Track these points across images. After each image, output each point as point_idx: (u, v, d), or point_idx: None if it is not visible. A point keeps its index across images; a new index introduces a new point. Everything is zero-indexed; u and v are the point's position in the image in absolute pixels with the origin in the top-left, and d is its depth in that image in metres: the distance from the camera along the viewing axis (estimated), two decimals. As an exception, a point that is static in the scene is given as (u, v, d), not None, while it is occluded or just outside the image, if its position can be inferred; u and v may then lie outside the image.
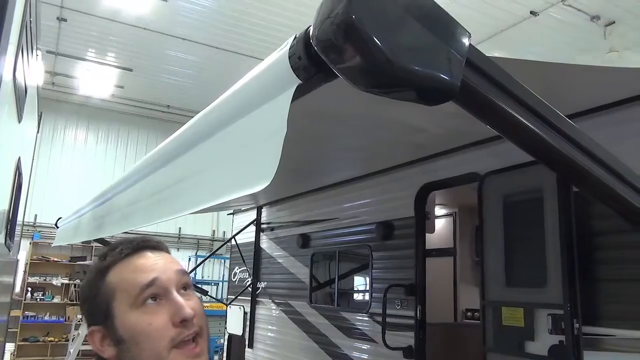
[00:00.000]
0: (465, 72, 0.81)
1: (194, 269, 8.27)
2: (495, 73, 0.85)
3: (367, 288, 4.75)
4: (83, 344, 10.24)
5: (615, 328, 2.65)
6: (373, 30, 0.74)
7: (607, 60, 8.61)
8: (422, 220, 4.24)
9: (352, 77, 0.80)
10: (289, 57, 0.89)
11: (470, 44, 0.83)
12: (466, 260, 6.28)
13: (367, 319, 4.62)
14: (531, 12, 8.14)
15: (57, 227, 5.80)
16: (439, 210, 6.11)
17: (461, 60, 0.81)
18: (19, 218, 5.23)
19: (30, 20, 2.99)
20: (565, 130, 0.90)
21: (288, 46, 0.91)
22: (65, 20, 9.31)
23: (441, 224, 6.32)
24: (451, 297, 6.23)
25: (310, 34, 0.84)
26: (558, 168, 1.00)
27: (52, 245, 5.49)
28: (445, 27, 0.81)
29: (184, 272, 1.09)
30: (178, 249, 14.36)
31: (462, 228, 6.34)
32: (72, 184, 12.45)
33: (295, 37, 0.90)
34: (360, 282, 5.18)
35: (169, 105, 13.16)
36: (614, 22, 8.23)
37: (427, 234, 4.35)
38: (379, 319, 4.29)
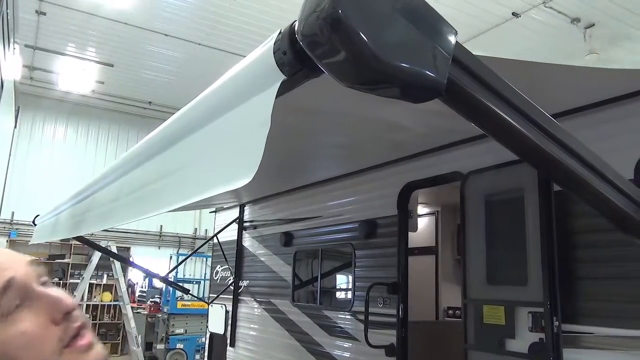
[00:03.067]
0: (451, 70, 0.81)
1: (176, 267, 8.19)
2: (482, 71, 0.85)
3: (350, 286, 4.75)
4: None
5: (595, 326, 2.69)
6: (359, 25, 0.73)
7: (586, 62, 8.75)
8: (405, 218, 4.25)
9: (338, 73, 0.79)
10: (274, 52, 0.88)
11: (457, 42, 0.82)
12: (448, 258, 6.32)
13: (349, 317, 4.63)
14: (513, 14, 8.23)
15: (35, 225, 5.70)
16: (421, 209, 6.14)
17: (447, 58, 0.80)
18: (-5, 215, 5.12)
19: (7, 12, 2.92)
20: (551, 130, 0.90)
21: (273, 41, 0.89)
22: (44, 13, 9.13)
23: (423, 222, 6.35)
24: (433, 296, 6.26)
25: (296, 28, 0.82)
26: (544, 168, 1.00)
27: (30, 243, 5.38)
28: (432, 23, 0.80)
29: (35, 263, 0.88)
30: (159, 247, 14.23)
31: (444, 227, 6.38)
32: (51, 180, 12.23)
33: (280, 32, 0.89)
34: (342, 280, 5.18)
35: (150, 102, 13.02)
36: (593, 25, 8.37)
37: (409, 233, 4.37)
38: (362, 317, 4.29)
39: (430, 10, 0.80)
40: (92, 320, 12.32)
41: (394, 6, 0.76)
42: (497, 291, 3.24)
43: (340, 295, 5.18)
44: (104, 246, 7.74)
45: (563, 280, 2.87)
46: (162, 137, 1.56)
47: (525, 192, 3.14)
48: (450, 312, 6.12)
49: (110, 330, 12.82)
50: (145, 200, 1.51)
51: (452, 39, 0.82)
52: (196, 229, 14.96)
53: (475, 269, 3.39)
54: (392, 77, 0.76)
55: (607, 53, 8.89)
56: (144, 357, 9.85)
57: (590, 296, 2.77)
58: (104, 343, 12.73)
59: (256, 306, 6.18)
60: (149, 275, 9.70)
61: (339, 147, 4.00)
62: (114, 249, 8.82)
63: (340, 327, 4.72)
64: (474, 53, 0.89)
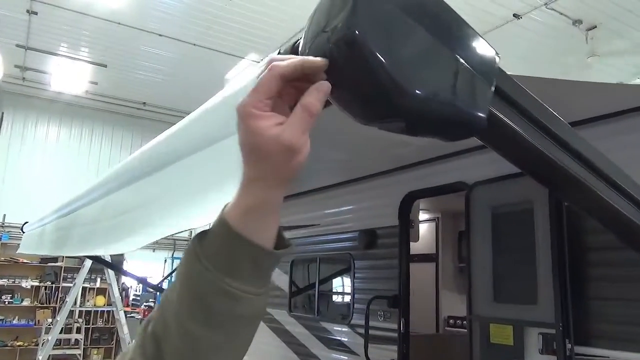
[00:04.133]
0: (493, 102, 0.65)
1: (171, 273, 8.01)
2: (527, 103, 0.69)
3: (349, 298, 4.60)
4: (54, 349, 9.92)
5: (610, 349, 2.54)
6: (382, 49, 0.56)
7: (588, 65, 8.62)
8: (406, 229, 4.09)
9: (352, 108, 0.63)
10: (272, 79, 0.71)
11: (499, 68, 0.66)
12: (449, 266, 6.18)
13: (348, 330, 4.47)
14: (514, 15, 8.08)
15: (23, 232, 5.52)
16: (421, 215, 5.99)
17: (489, 89, 0.64)
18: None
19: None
20: (609, 174, 0.74)
21: (270, 64, 0.73)
22: (35, 13, 8.91)
23: (423, 229, 6.20)
24: (433, 304, 6.12)
25: (299, 50, 0.66)
26: (598, 214, 0.84)
27: (17, 252, 5.21)
28: (470, 46, 0.64)
29: None
30: (154, 250, 14.02)
31: (444, 233, 6.24)
32: (44, 183, 12.02)
33: (278, 53, 0.73)
34: (341, 291, 5.02)
35: (144, 103, 12.81)
36: (595, 27, 8.23)
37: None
38: (361, 330, 4.14)
39: (469, 31, 0.64)
40: (86, 324, 12.12)
41: (425, 27, 0.60)
42: (504, 309, 3.09)
43: (338, 307, 5.02)
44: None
45: (576, 300, 2.72)
46: (148, 159, 1.39)
47: (535, 204, 2.99)
48: (451, 321, 5.98)
49: (104, 335, 12.62)
50: (124, 229, 1.34)
51: (494, 64, 0.66)
52: (191, 232, 14.74)
53: (481, 284, 3.24)
54: (422, 114, 0.60)
55: (608, 55, 8.77)
56: (138, 363, 9.64)
57: (606, 317, 2.62)
58: (98, 348, 12.49)
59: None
60: (143, 284, 9.52)
61: (336, 161, 3.83)
62: (107, 256, 8.61)
63: (339, 340, 4.56)
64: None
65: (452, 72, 0.62)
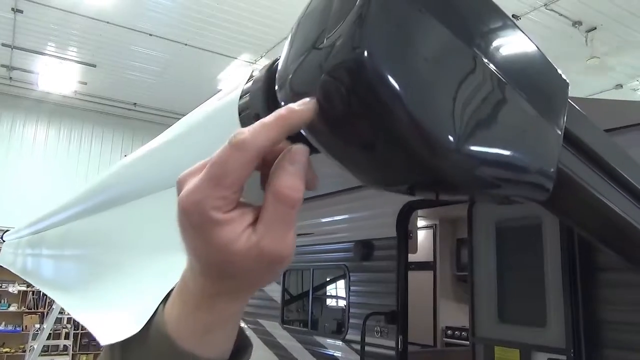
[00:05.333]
0: (562, 154, 0.44)
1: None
2: (603, 151, 0.48)
3: (343, 312, 4.39)
4: (41, 355, 9.67)
5: (627, 380, 2.35)
6: (403, 81, 0.35)
7: (587, 67, 8.46)
8: (405, 241, 3.89)
9: (355, 167, 0.43)
10: (239, 114, 0.50)
11: (570, 103, 0.46)
12: (447, 274, 6.00)
13: (342, 345, 4.26)
14: (513, 16, 7.90)
15: (4, 241, 5.29)
16: (418, 222, 5.80)
17: (557, 133, 0.43)
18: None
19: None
20: None
21: (238, 92, 0.52)
22: (21, 11, 8.66)
23: (421, 236, 6.01)
24: (430, 314, 5.93)
25: (278, 74, 0.45)
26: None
27: (-4, 262, 4.96)
28: (533, 71, 0.43)
29: None
30: (145, 253, 13.78)
31: (442, 241, 6.06)
32: (32, 184, 11.74)
33: (251, 77, 0.51)
34: (335, 305, 4.81)
35: (135, 103, 12.54)
36: (595, 28, 8.07)
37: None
38: (356, 346, 3.94)
39: (529, 45, 0.43)
40: (74, 330, 11.86)
41: (466, 42, 0.39)
42: (510, 331, 2.89)
43: (333, 321, 4.81)
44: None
45: (588, 323, 2.53)
46: (107, 187, 1.18)
47: (544, 219, 2.79)
48: (450, 332, 5.79)
49: (93, 340, 12.37)
50: (84, 276, 1.12)
51: (563, 97, 0.45)
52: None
53: (485, 303, 3.04)
54: (465, 177, 0.39)
55: (608, 57, 8.62)
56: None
57: (621, 343, 2.42)
58: (87, 354, 12.26)
59: (242, 326, 5.80)
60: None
61: (333, 168, 3.63)
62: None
63: (333, 356, 4.36)
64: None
65: (506, 110, 0.41)
